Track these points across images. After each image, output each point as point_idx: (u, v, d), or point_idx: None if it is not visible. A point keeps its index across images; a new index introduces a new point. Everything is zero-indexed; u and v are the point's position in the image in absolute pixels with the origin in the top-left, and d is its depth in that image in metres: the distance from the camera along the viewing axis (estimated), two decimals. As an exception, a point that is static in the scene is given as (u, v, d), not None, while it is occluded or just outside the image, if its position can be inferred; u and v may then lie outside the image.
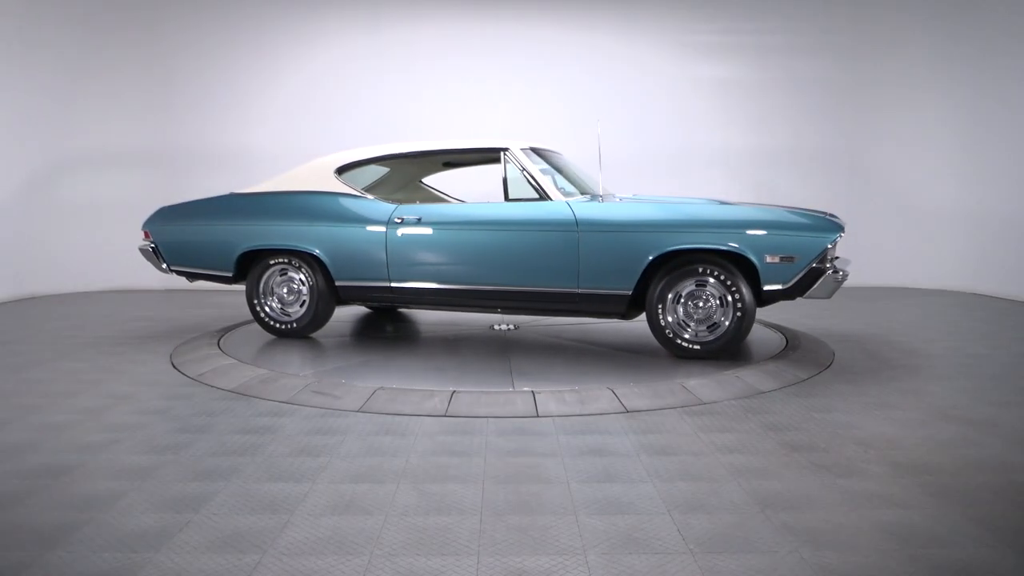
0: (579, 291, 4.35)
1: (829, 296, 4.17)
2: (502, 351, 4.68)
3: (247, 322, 5.81)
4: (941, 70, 7.94)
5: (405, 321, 5.92)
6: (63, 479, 2.68)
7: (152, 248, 5.31)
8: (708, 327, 4.26)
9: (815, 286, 4.11)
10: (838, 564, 2.03)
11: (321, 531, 2.26)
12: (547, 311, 4.58)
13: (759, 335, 5.15)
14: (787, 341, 4.87)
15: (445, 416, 3.44)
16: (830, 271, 4.10)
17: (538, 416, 3.42)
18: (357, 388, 3.76)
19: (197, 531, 2.26)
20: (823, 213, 4.61)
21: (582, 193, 4.82)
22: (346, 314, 6.10)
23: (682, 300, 4.27)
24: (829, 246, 4.08)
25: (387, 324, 5.78)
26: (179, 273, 5.33)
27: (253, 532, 2.25)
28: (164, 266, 5.31)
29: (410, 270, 4.69)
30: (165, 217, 5.34)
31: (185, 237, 5.24)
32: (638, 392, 3.68)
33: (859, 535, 2.20)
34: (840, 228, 4.16)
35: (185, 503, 2.46)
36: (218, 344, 4.90)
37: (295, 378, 3.98)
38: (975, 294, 7.59)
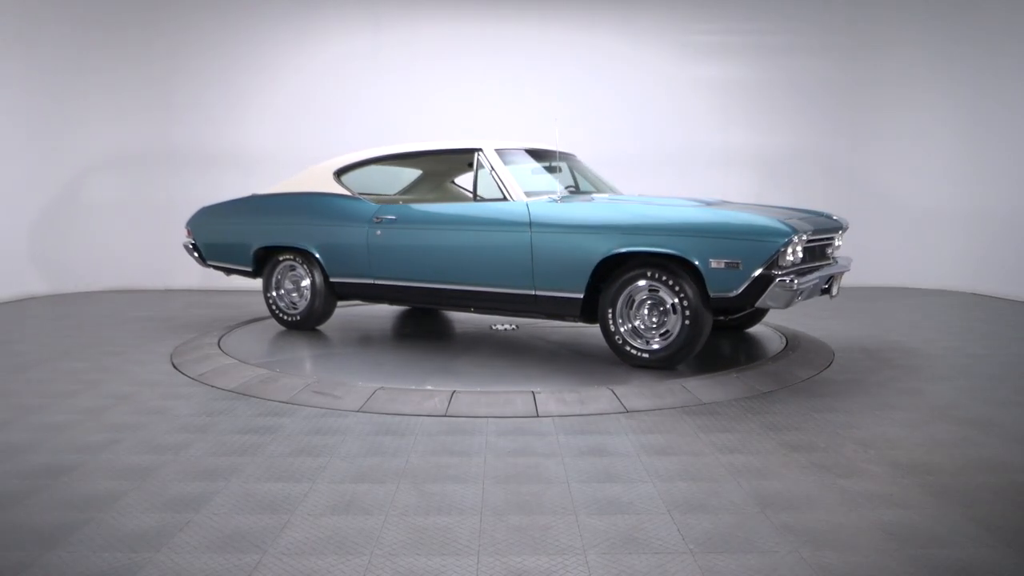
0: (535, 293, 4.30)
1: (785, 306, 3.76)
2: (502, 351, 4.68)
3: (247, 322, 5.83)
4: (941, 70, 7.94)
5: (428, 319, 5.93)
6: (63, 479, 2.68)
7: (192, 245, 5.74)
8: (660, 334, 4.03)
9: (764, 295, 3.70)
10: (838, 564, 2.03)
11: (321, 531, 2.26)
12: (512, 312, 4.55)
13: (759, 335, 5.16)
14: (787, 341, 4.87)
15: (445, 416, 3.43)
16: (781, 279, 3.68)
17: (538, 416, 3.42)
18: (357, 388, 3.76)
19: (197, 531, 2.26)
20: (820, 213, 4.61)
21: (581, 195, 4.81)
22: (360, 312, 6.10)
23: (635, 306, 4.06)
24: (780, 251, 3.68)
25: (415, 323, 5.81)
26: (215, 268, 5.74)
27: (253, 532, 2.25)
28: (205, 263, 5.73)
29: (388, 268, 4.82)
30: (203, 216, 5.73)
31: (216, 235, 5.66)
32: (638, 392, 3.68)
33: (859, 535, 2.20)
34: (793, 232, 3.70)
35: (185, 503, 2.46)
36: (218, 344, 4.91)
37: (295, 378, 3.98)
38: (975, 294, 7.59)
